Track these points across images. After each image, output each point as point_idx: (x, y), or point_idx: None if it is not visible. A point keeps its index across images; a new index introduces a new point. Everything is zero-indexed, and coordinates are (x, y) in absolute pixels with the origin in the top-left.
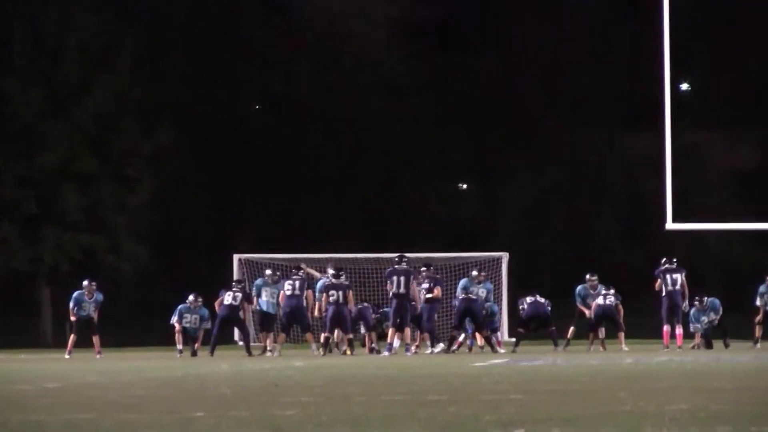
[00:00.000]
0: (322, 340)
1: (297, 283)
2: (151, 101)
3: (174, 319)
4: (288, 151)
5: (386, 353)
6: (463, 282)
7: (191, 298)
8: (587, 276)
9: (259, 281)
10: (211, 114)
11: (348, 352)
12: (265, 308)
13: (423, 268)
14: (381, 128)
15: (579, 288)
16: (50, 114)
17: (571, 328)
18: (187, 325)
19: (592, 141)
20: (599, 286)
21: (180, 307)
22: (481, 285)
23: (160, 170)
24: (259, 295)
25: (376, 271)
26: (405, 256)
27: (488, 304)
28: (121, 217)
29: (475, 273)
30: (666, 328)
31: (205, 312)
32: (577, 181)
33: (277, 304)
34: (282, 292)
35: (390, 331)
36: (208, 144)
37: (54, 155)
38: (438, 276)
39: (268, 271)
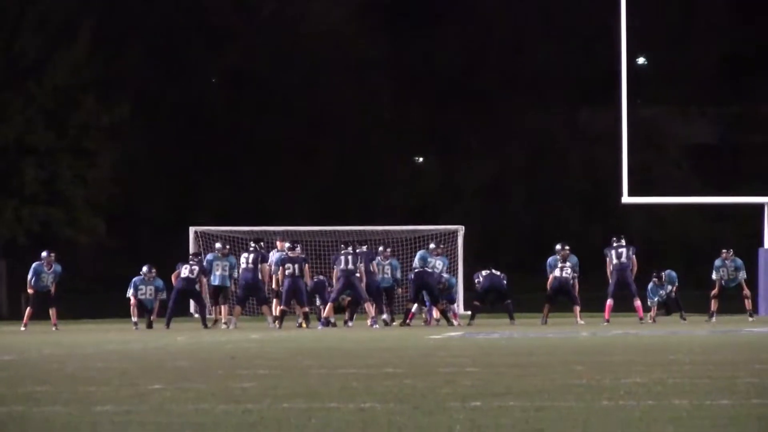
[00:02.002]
0: (277, 312)
1: (251, 257)
2: (109, 75)
3: (129, 292)
4: (246, 126)
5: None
6: (420, 253)
7: (145, 269)
8: (557, 246)
9: (210, 256)
10: (168, 88)
11: (304, 325)
12: (218, 282)
13: (381, 248)
14: (339, 103)
15: (550, 259)
16: (7, 87)
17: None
18: (143, 297)
19: (550, 116)
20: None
21: (134, 279)
22: (439, 258)
23: (118, 144)
24: (211, 270)
25: (333, 244)
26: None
27: (446, 276)
28: (80, 190)
29: (432, 245)
30: (609, 301)
31: (160, 283)
32: (534, 157)
33: (230, 276)
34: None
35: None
36: (166, 118)
37: (10, 128)
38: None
39: (218, 245)
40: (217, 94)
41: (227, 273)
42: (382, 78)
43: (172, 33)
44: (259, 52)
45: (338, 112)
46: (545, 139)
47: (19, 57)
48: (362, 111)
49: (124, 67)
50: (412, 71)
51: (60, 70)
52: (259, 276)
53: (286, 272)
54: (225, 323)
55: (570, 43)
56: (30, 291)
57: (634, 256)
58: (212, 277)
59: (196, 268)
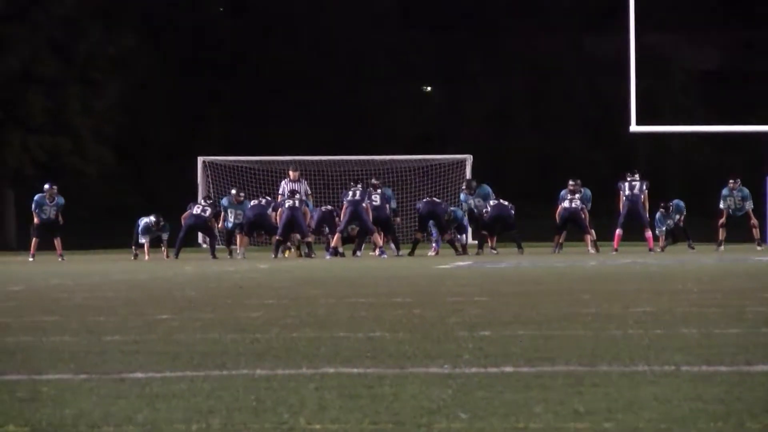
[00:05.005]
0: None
1: (264, 201)
2: (115, 4)
3: (142, 239)
4: (251, 54)
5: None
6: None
7: (152, 218)
8: (570, 182)
9: (224, 201)
10: (175, 16)
11: (287, 253)
12: (231, 228)
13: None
14: (345, 31)
15: (562, 192)
16: (13, 17)
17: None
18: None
19: (555, 44)
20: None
21: (143, 224)
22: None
23: (125, 74)
24: (225, 215)
25: (339, 174)
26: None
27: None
28: (87, 120)
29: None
30: (618, 231)
31: (167, 232)
32: (541, 84)
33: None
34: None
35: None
36: (173, 47)
37: (16, 58)
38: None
39: (233, 191)
40: (222, 21)
41: (240, 220)
42: (387, 3)
43: None
44: None
45: (343, 39)
46: (550, 66)
47: None
48: (367, 38)
49: None
50: None
51: None
52: (269, 211)
53: (286, 204)
54: (240, 254)
55: None
56: (36, 221)
57: (646, 190)
58: (226, 223)
59: (209, 209)
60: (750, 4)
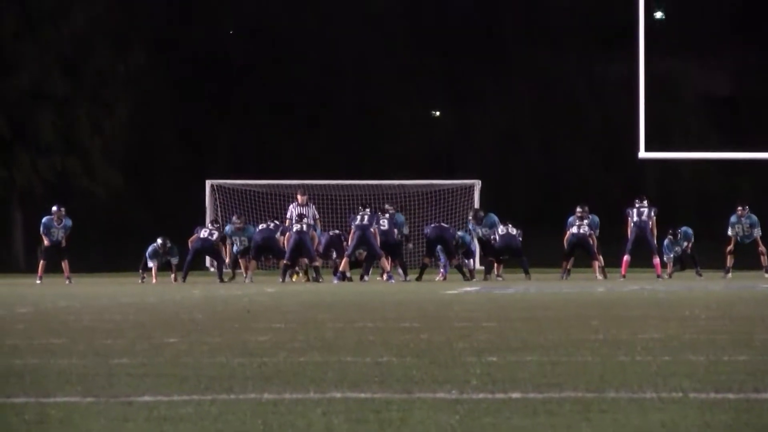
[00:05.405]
0: (281, 267)
1: (272, 225)
2: (125, 24)
3: (150, 263)
4: (261, 77)
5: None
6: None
7: (159, 242)
8: (577, 208)
9: (228, 229)
10: (185, 38)
11: (295, 278)
12: (236, 253)
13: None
14: (355, 54)
15: (570, 218)
16: (24, 35)
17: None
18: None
19: (565, 67)
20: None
21: (149, 250)
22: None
23: (134, 93)
24: (231, 242)
25: (347, 198)
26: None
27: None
28: (96, 140)
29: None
30: (626, 257)
31: (176, 256)
32: (550, 108)
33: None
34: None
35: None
36: (183, 68)
37: (26, 77)
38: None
39: (234, 218)
40: (233, 43)
41: (247, 244)
42: (397, 27)
43: None
44: (275, 2)
45: (354, 62)
46: (560, 90)
47: (36, 4)
48: (377, 61)
49: (140, 15)
50: (427, 20)
51: (77, 17)
52: (278, 235)
53: (294, 228)
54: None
55: None
56: (46, 243)
57: (654, 216)
58: (234, 248)
59: (216, 233)
60: (761, 28)
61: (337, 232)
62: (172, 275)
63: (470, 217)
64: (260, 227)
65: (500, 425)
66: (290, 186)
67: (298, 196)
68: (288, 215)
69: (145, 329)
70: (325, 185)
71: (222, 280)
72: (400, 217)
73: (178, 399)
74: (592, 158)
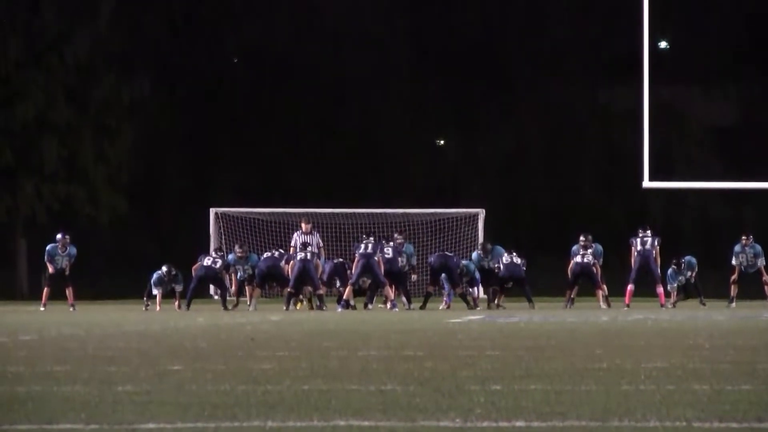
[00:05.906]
0: (285, 294)
1: (277, 253)
2: (129, 51)
3: (155, 291)
4: (266, 104)
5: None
6: (474, 255)
7: (164, 269)
8: (581, 237)
9: (230, 259)
10: (189, 65)
11: (298, 306)
12: (240, 280)
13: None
14: (359, 82)
15: (574, 248)
16: (28, 64)
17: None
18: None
19: (570, 96)
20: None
21: (154, 278)
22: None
23: (138, 121)
24: (235, 270)
25: (351, 226)
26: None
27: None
28: (101, 167)
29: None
30: (630, 287)
31: (180, 283)
32: (555, 137)
33: (254, 275)
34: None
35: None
36: (187, 95)
37: (31, 105)
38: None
39: (237, 247)
40: (237, 71)
41: (250, 272)
42: (402, 56)
43: (194, 8)
44: (279, 29)
45: (358, 90)
46: (565, 119)
47: (40, 32)
48: (382, 89)
49: (144, 43)
50: (431, 47)
51: (81, 45)
52: (282, 263)
53: (298, 256)
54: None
55: (592, 20)
56: (51, 271)
57: (658, 246)
58: (238, 275)
59: (219, 261)
60: (765, 58)
61: (340, 260)
62: (176, 303)
63: (479, 250)
64: (265, 255)
65: None
66: (294, 214)
67: (303, 224)
68: (292, 243)
69: (149, 356)
70: (329, 213)
71: (226, 308)
72: (410, 248)
73: (182, 426)
74: (597, 187)
